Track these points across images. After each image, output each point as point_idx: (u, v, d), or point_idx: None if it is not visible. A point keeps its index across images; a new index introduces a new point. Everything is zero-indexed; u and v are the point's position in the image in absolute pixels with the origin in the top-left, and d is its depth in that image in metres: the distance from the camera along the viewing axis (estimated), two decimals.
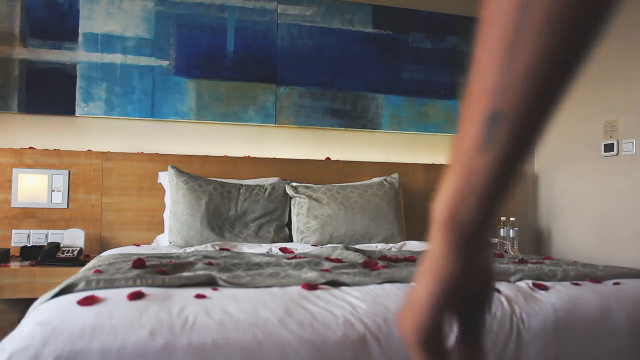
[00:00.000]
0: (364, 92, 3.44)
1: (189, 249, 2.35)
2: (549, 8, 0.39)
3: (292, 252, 2.33)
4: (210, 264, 1.65)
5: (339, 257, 2.02)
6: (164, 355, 1.00)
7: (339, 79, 3.39)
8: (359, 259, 1.97)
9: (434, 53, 3.59)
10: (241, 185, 2.91)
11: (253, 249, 2.43)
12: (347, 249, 2.23)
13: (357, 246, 2.61)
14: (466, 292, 0.48)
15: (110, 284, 1.25)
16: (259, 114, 3.26)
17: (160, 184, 2.99)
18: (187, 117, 3.17)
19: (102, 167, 2.96)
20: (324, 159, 3.33)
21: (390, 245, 2.75)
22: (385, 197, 3.03)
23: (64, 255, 2.57)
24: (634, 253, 2.90)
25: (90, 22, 3.06)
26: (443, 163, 3.56)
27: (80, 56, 3.03)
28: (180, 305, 1.12)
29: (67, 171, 2.91)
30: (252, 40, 3.27)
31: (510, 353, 1.22)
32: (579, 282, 1.51)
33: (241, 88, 3.24)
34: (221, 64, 3.22)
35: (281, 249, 2.41)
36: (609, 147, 3.14)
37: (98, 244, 2.91)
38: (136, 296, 1.15)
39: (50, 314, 1.05)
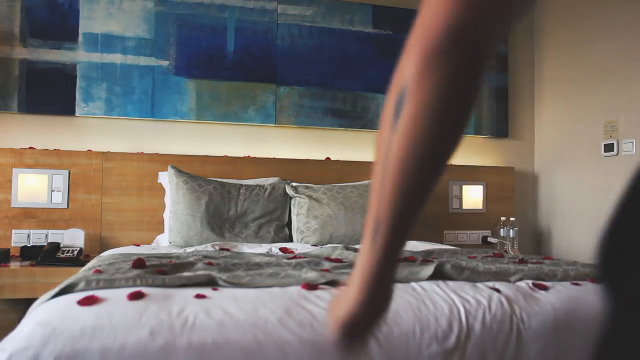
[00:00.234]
0: (364, 92, 3.44)
1: (189, 249, 2.35)
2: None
3: (292, 252, 2.33)
4: (210, 264, 1.65)
5: (339, 257, 2.02)
6: (164, 355, 1.00)
7: (339, 79, 3.39)
8: None
9: None
10: (241, 185, 2.91)
11: (253, 249, 2.43)
12: (347, 249, 2.23)
13: (357, 246, 2.61)
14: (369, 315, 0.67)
15: (110, 284, 1.25)
16: (259, 114, 3.26)
17: (160, 184, 2.99)
18: (187, 117, 3.17)
19: (102, 167, 2.96)
20: (324, 159, 3.33)
21: None
22: None
23: (64, 255, 2.57)
24: None
25: (90, 22, 3.06)
26: None
27: (80, 56, 3.03)
28: (180, 305, 1.12)
29: (67, 171, 2.91)
30: (252, 40, 3.27)
31: (510, 353, 1.22)
32: (579, 282, 1.51)
33: (241, 88, 3.24)
34: (221, 64, 3.22)
35: (281, 249, 2.41)
36: (609, 147, 3.14)
37: (98, 244, 2.91)
38: (136, 296, 1.14)
39: (50, 314, 1.05)
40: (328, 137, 3.41)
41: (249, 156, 3.22)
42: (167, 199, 2.89)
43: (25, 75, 2.95)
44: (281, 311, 1.13)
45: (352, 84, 3.42)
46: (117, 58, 3.08)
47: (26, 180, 2.85)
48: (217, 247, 2.41)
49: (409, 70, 0.52)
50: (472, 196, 3.55)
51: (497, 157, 3.74)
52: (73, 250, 2.61)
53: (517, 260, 2.08)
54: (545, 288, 1.41)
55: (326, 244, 2.78)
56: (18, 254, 2.75)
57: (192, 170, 2.96)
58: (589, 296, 1.39)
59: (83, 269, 1.80)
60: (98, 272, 1.43)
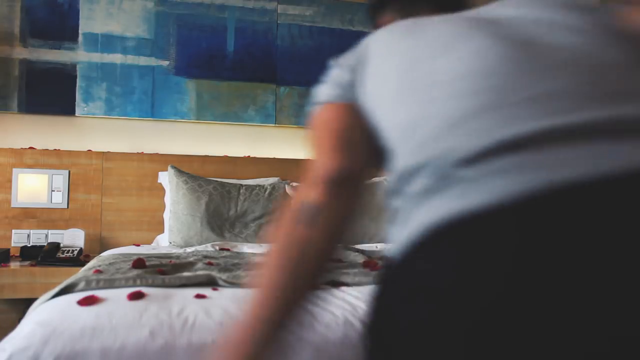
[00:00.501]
0: None
1: (189, 249, 2.35)
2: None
3: None
4: (210, 264, 1.65)
5: (339, 257, 2.02)
6: (164, 355, 1.00)
7: None
8: (359, 259, 1.97)
9: None
10: (241, 185, 2.91)
11: (253, 249, 2.42)
12: (347, 249, 2.22)
13: (358, 246, 2.60)
14: None
15: (110, 284, 1.25)
16: (259, 114, 3.26)
17: (160, 184, 2.99)
18: (187, 117, 3.17)
19: (102, 167, 2.96)
20: None
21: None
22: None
23: (64, 255, 2.56)
24: None
25: (90, 22, 3.05)
26: None
27: (80, 56, 3.03)
28: (180, 305, 1.12)
29: (67, 171, 2.91)
30: (252, 40, 3.27)
31: None
32: None
33: (241, 88, 3.24)
34: (221, 64, 3.22)
35: None
36: None
37: (98, 244, 2.91)
38: (136, 296, 1.15)
39: (50, 314, 1.05)
40: None
41: (249, 156, 3.22)
42: (167, 199, 2.89)
43: (25, 75, 2.95)
44: None
45: None
46: (117, 58, 3.08)
47: (26, 180, 2.85)
48: (217, 247, 2.40)
49: (313, 195, 0.77)
50: None
51: None
52: (73, 250, 2.61)
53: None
54: None
55: None
56: (18, 254, 2.75)
57: (192, 170, 2.96)
58: None
59: (83, 269, 1.80)
60: (98, 272, 1.43)
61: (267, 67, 3.28)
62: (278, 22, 3.31)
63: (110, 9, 3.08)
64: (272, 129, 3.33)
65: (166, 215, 2.90)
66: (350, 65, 0.90)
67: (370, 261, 1.82)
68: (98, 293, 1.17)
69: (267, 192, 2.90)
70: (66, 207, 2.90)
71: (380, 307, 0.70)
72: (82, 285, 1.22)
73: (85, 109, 3.03)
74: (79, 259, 2.58)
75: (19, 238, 2.82)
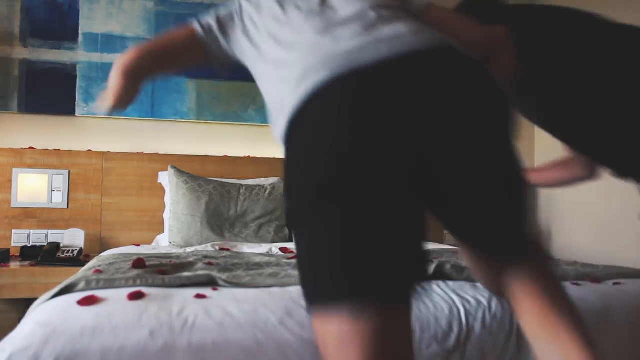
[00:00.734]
0: None
1: (189, 249, 2.35)
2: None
3: (292, 252, 2.33)
4: (210, 264, 1.65)
5: None
6: (163, 355, 1.00)
7: None
8: None
9: None
10: (241, 185, 2.91)
11: (253, 249, 2.42)
12: None
13: None
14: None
15: (110, 284, 1.25)
16: (259, 114, 3.26)
17: (160, 184, 2.99)
18: (187, 117, 3.17)
19: (102, 167, 2.96)
20: None
21: None
22: None
23: (64, 255, 2.57)
24: (634, 253, 2.90)
25: (90, 22, 3.06)
26: None
27: (80, 56, 3.03)
28: (180, 306, 1.12)
29: (67, 171, 2.91)
30: None
31: (510, 353, 1.22)
32: (579, 282, 1.51)
33: (241, 88, 3.24)
34: None
35: (281, 249, 2.41)
36: None
37: (98, 244, 2.91)
38: (136, 296, 1.15)
39: (50, 314, 1.05)
40: None
41: (249, 156, 3.22)
42: (167, 199, 2.89)
43: (25, 75, 2.95)
44: (281, 311, 1.13)
45: None
46: (117, 58, 3.07)
47: (26, 180, 2.85)
48: (217, 247, 2.40)
49: None
50: None
51: None
52: (73, 250, 2.61)
53: None
54: None
55: None
56: (18, 254, 2.76)
57: (192, 170, 2.96)
58: (588, 296, 1.39)
59: (83, 269, 1.80)
60: (98, 272, 1.43)
61: None
62: None
63: (110, 9, 3.08)
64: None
65: (166, 215, 2.90)
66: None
67: None
68: (98, 293, 1.17)
69: (267, 192, 2.90)
70: (66, 207, 2.90)
71: (289, 155, 0.94)
72: (82, 285, 1.22)
73: (85, 109, 3.03)
74: (79, 259, 2.58)
75: (19, 238, 2.82)
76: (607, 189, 3.16)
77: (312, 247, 0.86)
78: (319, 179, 0.84)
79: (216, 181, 2.89)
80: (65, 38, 3.02)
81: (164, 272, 1.45)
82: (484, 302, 1.26)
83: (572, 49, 1.31)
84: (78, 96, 3.02)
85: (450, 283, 1.38)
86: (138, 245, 2.76)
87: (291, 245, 2.59)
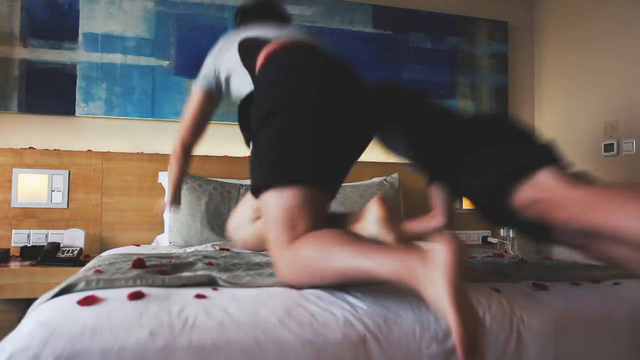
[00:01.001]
0: None
1: (189, 249, 2.35)
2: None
3: None
4: (210, 264, 1.65)
5: None
6: (163, 355, 1.00)
7: None
8: None
9: (434, 53, 3.59)
10: (241, 185, 2.91)
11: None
12: None
13: None
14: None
15: (111, 284, 1.25)
16: None
17: (161, 183, 2.99)
18: None
19: (102, 167, 2.96)
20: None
21: None
22: (393, 195, 3.03)
23: (64, 255, 2.57)
24: None
25: (90, 22, 3.06)
26: None
27: (80, 56, 3.04)
28: (180, 306, 1.12)
29: (67, 171, 2.91)
30: None
31: (510, 353, 1.22)
32: (579, 282, 1.51)
33: None
34: None
35: None
36: (609, 147, 3.14)
37: (98, 244, 2.91)
38: (136, 296, 1.14)
39: (50, 314, 1.04)
40: None
41: (249, 156, 3.21)
42: (167, 199, 2.88)
43: (25, 75, 2.95)
44: (281, 311, 1.13)
45: None
46: (117, 58, 3.08)
47: (26, 180, 2.86)
48: (217, 247, 2.41)
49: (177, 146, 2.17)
50: None
51: None
52: (73, 250, 2.62)
53: (517, 260, 2.08)
54: (545, 288, 1.41)
55: None
56: (18, 254, 2.76)
57: (192, 170, 2.95)
58: (589, 296, 1.39)
59: (83, 269, 1.80)
60: (98, 272, 1.43)
61: None
62: None
63: (110, 9, 3.08)
64: None
65: (166, 215, 2.90)
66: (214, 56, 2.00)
67: None
68: (98, 293, 1.16)
69: None
70: (66, 207, 2.90)
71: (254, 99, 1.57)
72: (82, 285, 1.22)
73: (85, 109, 3.03)
74: (79, 259, 2.58)
75: (19, 238, 2.82)
76: None
77: (260, 145, 1.42)
78: (267, 106, 1.43)
79: (216, 181, 2.89)
80: (65, 38, 3.02)
81: (164, 272, 1.45)
82: (484, 302, 1.25)
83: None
84: (78, 96, 3.02)
85: None
86: (138, 245, 2.76)
87: None
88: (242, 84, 1.75)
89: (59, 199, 2.89)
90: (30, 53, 2.97)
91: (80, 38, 3.04)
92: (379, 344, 1.12)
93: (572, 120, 3.47)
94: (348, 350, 1.09)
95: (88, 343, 0.98)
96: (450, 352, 1.16)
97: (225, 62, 1.84)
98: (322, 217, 1.37)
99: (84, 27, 3.05)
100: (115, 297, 1.14)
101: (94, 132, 3.08)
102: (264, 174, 1.38)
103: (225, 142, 3.24)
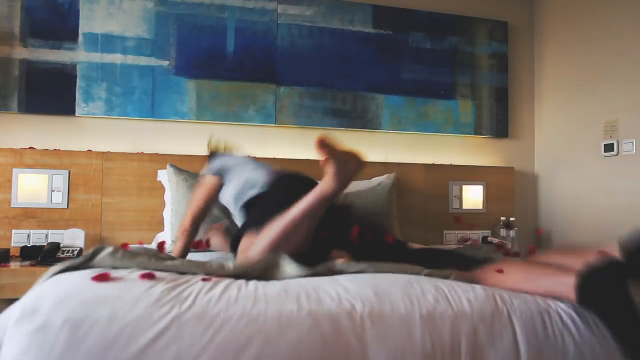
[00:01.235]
0: (364, 92, 3.45)
1: None
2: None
3: None
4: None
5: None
6: (172, 321, 1.02)
7: (339, 79, 3.40)
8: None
9: (434, 53, 3.60)
10: None
11: None
12: None
13: None
14: None
15: (133, 256, 1.32)
16: (259, 114, 3.26)
17: (160, 182, 2.98)
18: (187, 117, 3.16)
19: (102, 167, 2.95)
20: (324, 159, 3.32)
21: None
22: (385, 197, 3.04)
23: (64, 255, 2.55)
24: None
25: (90, 22, 3.05)
26: (443, 163, 3.56)
27: (80, 56, 3.03)
28: (189, 283, 1.17)
29: (67, 171, 2.90)
30: (252, 41, 3.27)
31: (510, 353, 1.21)
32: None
33: (241, 88, 3.24)
34: (221, 64, 3.22)
35: None
36: (609, 147, 3.14)
37: (98, 244, 2.88)
38: (148, 276, 1.17)
39: (63, 283, 1.07)
40: None
41: (248, 156, 3.21)
42: (167, 197, 2.88)
43: (25, 75, 2.95)
44: (280, 289, 1.19)
45: (352, 84, 3.42)
46: (117, 58, 3.08)
47: (26, 180, 2.84)
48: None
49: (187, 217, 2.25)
50: (472, 196, 3.55)
51: (497, 157, 3.75)
52: (73, 251, 2.60)
53: (510, 253, 2.09)
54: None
55: None
56: (18, 254, 2.74)
57: (193, 171, 2.95)
58: None
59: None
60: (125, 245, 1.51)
61: (267, 67, 3.28)
62: (278, 22, 3.31)
63: (110, 9, 3.08)
64: (272, 129, 3.33)
65: (166, 214, 2.88)
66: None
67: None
68: (112, 272, 1.19)
69: None
70: (66, 207, 2.89)
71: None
72: (109, 250, 1.32)
73: (85, 109, 3.02)
74: None
75: (19, 238, 2.80)
76: (607, 188, 3.16)
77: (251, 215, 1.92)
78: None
79: None
80: (65, 38, 3.01)
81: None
82: (484, 301, 1.25)
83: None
84: (78, 96, 3.02)
85: (448, 281, 1.38)
86: (142, 244, 2.74)
87: None
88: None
89: (59, 199, 2.88)
90: (30, 53, 2.96)
91: (80, 38, 3.04)
92: (371, 312, 1.15)
93: (572, 120, 3.48)
94: (344, 315, 1.12)
95: (98, 308, 1.00)
96: (450, 352, 1.16)
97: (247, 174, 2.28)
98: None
99: (84, 27, 3.05)
100: (128, 276, 1.17)
101: (94, 132, 3.07)
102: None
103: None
